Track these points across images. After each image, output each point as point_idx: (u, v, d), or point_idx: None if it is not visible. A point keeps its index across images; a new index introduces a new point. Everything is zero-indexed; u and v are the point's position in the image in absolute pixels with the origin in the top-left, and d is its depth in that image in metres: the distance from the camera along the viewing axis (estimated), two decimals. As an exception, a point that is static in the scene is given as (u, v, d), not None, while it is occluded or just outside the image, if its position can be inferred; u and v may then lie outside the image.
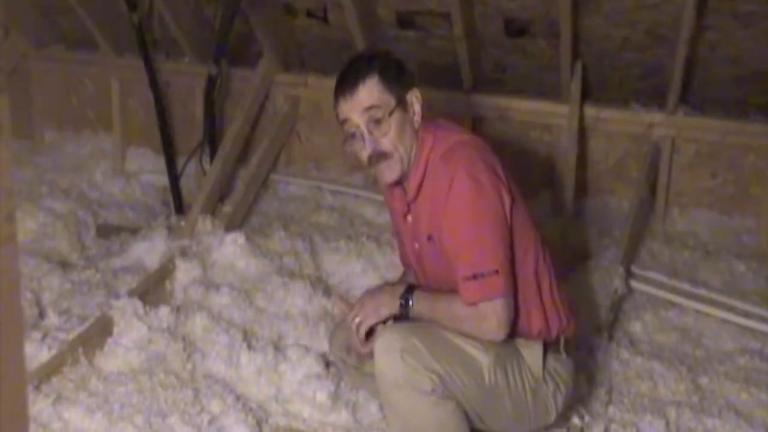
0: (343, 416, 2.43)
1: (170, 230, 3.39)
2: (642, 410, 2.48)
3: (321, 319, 2.83)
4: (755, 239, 3.40)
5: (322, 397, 2.44)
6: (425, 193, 2.20)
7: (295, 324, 2.81)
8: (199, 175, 3.74)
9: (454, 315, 2.12)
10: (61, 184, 3.88)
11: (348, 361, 2.41)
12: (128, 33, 3.71)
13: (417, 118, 2.21)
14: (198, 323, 2.74)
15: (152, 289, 2.91)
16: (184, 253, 3.13)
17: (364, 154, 2.19)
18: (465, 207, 2.10)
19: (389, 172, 2.20)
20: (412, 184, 2.22)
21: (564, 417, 2.34)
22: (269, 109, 3.91)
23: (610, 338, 2.81)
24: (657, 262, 3.26)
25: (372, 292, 2.26)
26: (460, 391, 2.09)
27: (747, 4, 3.01)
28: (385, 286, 2.32)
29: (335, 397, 2.46)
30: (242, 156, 3.80)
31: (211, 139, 3.74)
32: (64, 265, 3.18)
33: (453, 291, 2.13)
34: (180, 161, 3.78)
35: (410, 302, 2.17)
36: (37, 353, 2.55)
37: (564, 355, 2.26)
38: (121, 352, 2.61)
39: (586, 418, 2.42)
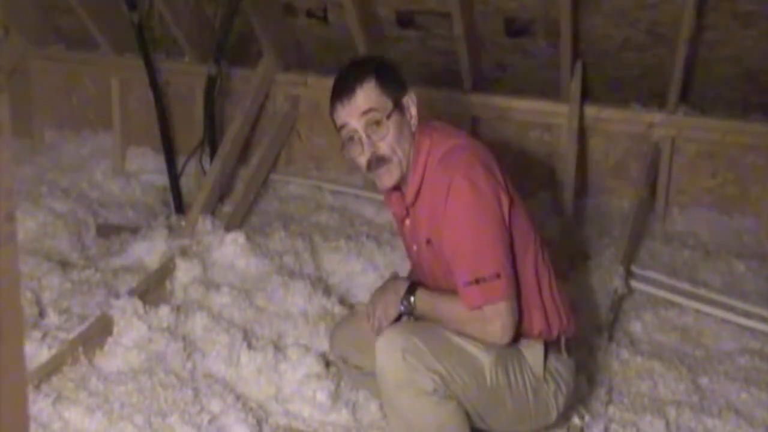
0: (343, 416, 2.43)
1: (170, 230, 3.39)
2: (642, 410, 2.48)
3: (321, 318, 2.82)
4: (755, 239, 3.40)
5: (322, 396, 2.45)
6: (424, 198, 2.20)
7: (295, 323, 2.81)
8: (199, 175, 3.74)
9: (457, 317, 2.12)
10: (61, 184, 3.87)
11: (349, 360, 2.41)
12: (128, 33, 3.71)
13: (414, 120, 2.21)
14: (198, 323, 2.74)
15: (152, 289, 2.91)
16: (184, 252, 3.13)
17: (363, 160, 2.18)
18: (464, 211, 2.10)
19: (388, 177, 2.20)
20: (410, 189, 2.22)
21: (564, 417, 2.34)
22: (269, 108, 3.91)
23: (610, 338, 2.81)
24: (657, 262, 3.25)
25: (379, 293, 2.27)
26: (462, 391, 2.09)
27: (747, 4, 3.02)
28: (390, 285, 2.30)
29: (335, 396, 2.46)
30: (242, 156, 3.80)
31: (211, 138, 3.74)
32: (64, 265, 3.18)
33: (454, 291, 2.13)
34: (180, 161, 3.77)
35: (412, 304, 2.18)
36: (37, 353, 2.55)
37: (565, 355, 2.26)
38: (121, 352, 2.61)
39: (586, 417, 2.41)
